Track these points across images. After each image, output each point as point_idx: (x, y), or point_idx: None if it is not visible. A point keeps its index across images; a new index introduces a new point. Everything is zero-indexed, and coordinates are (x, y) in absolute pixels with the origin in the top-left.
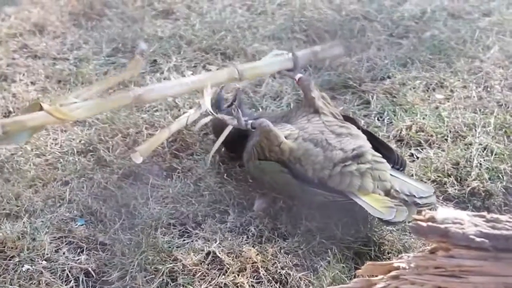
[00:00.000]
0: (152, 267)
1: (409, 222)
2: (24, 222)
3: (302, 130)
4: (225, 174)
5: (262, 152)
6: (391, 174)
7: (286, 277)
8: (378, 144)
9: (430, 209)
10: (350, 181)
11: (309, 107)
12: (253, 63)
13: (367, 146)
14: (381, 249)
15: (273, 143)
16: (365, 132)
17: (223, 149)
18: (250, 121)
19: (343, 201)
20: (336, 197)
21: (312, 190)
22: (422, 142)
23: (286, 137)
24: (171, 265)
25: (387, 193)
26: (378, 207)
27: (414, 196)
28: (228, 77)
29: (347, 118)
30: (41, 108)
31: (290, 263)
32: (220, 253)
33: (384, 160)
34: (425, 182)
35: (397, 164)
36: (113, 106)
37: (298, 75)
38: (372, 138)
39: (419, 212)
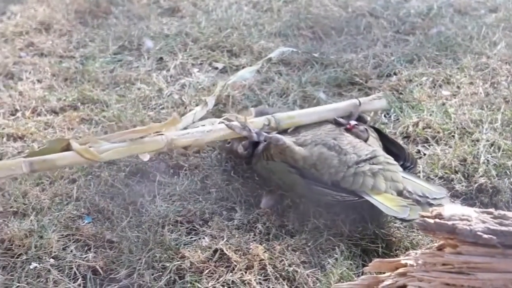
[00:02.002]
0: (160, 265)
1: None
2: (31, 220)
3: (315, 136)
4: (232, 172)
5: (271, 158)
6: (403, 176)
7: (293, 274)
8: (387, 142)
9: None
10: (363, 181)
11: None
12: (291, 113)
13: (380, 150)
14: (389, 246)
15: (287, 156)
16: (374, 129)
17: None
18: (263, 135)
19: (352, 201)
20: (345, 196)
21: (320, 190)
22: (429, 138)
23: (299, 144)
24: (178, 262)
25: (400, 193)
26: (391, 206)
27: (427, 197)
28: (264, 125)
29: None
30: (68, 146)
31: (298, 260)
32: (227, 251)
33: (396, 163)
34: (438, 184)
35: (407, 161)
36: (144, 150)
37: (353, 122)
38: (381, 136)
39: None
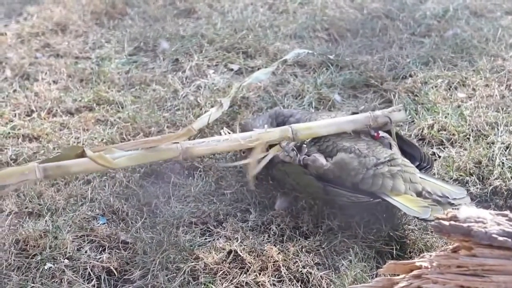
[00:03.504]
0: (174, 266)
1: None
2: (46, 221)
3: (336, 141)
4: (247, 173)
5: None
6: (421, 177)
7: (307, 276)
8: (402, 143)
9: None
10: (383, 183)
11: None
12: (309, 124)
13: (398, 153)
14: (403, 248)
15: (318, 172)
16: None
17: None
18: (302, 157)
19: (367, 202)
20: (360, 198)
21: (335, 191)
22: (444, 141)
23: (321, 151)
24: (192, 263)
25: (419, 194)
26: (413, 206)
27: (447, 197)
28: (281, 136)
29: None
30: (83, 153)
31: (312, 262)
32: (241, 252)
33: (413, 166)
34: (457, 184)
35: (424, 162)
36: (158, 158)
37: (381, 133)
38: (397, 137)
39: None
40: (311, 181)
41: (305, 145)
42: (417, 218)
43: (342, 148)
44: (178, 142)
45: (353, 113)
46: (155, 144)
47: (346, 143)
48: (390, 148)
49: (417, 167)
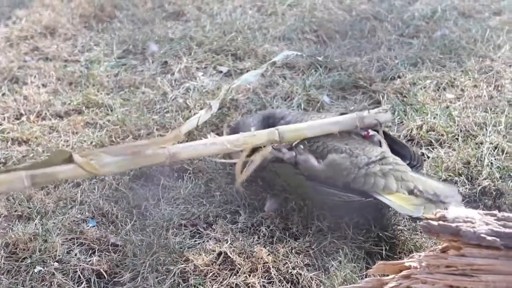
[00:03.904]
0: (164, 268)
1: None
2: (36, 224)
3: (326, 141)
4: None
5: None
6: (413, 176)
7: (297, 277)
8: (392, 142)
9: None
10: (374, 182)
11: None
12: (294, 126)
13: (388, 151)
14: (393, 248)
15: (308, 172)
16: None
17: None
18: (293, 155)
19: (358, 201)
20: (351, 197)
21: (326, 191)
22: (433, 141)
23: (312, 151)
24: (182, 265)
25: (411, 193)
26: (405, 205)
27: (439, 196)
28: (268, 139)
29: None
30: (70, 158)
31: (301, 263)
32: (231, 254)
33: (404, 164)
34: (448, 182)
35: (413, 160)
36: (145, 163)
37: (371, 132)
38: (385, 136)
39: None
40: (302, 182)
41: (301, 146)
42: (410, 216)
43: (333, 149)
44: (165, 147)
45: (342, 114)
46: (143, 148)
47: (336, 143)
48: (380, 146)
49: (407, 165)
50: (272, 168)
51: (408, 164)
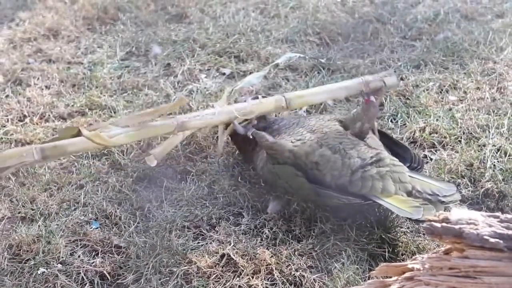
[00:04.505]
0: (167, 270)
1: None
2: (39, 226)
3: (320, 138)
4: (239, 177)
5: (275, 157)
6: (411, 176)
7: (300, 279)
8: (393, 144)
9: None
10: (372, 185)
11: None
12: (301, 92)
13: (385, 152)
14: (395, 250)
15: (282, 152)
16: (379, 132)
17: (237, 152)
18: (251, 131)
19: (359, 204)
20: (351, 200)
21: (327, 193)
22: (436, 143)
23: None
24: (185, 267)
25: (409, 194)
26: (404, 207)
27: (438, 195)
28: (275, 106)
29: None
30: (79, 133)
31: (304, 265)
32: (234, 256)
33: (402, 164)
34: (446, 181)
35: (414, 162)
36: (154, 134)
37: (372, 98)
38: (387, 138)
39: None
40: (302, 184)
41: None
42: (410, 219)
43: (326, 145)
44: (173, 117)
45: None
46: (149, 117)
47: (331, 141)
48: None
49: (408, 167)
50: (272, 170)
51: (408, 167)
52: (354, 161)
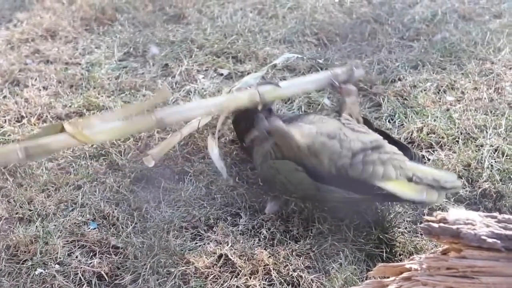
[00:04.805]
0: (165, 270)
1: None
2: (36, 226)
3: (320, 128)
4: (237, 177)
5: (280, 150)
6: (411, 165)
7: (298, 280)
8: (393, 143)
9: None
10: (373, 170)
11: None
12: (274, 86)
13: (384, 140)
14: (393, 250)
15: (287, 142)
16: (379, 132)
17: (235, 152)
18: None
19: (360, 199)
20: (352, 194)
21: (328, 188)
22: (433, 144)
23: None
24: (183, 268)
25: (410, 180)
26: (407, 190)
27: (439, 181)
28: (250, 100)
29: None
30: (62, 129)
31: (302, 265)
32: (232, 256)
33: (401, 153)
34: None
35: (413, 160)
36: (135, 130)
37: (343, 86)
38: (387, 138)
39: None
40: (303, 179)
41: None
42: (413, 202)
43: (324, 133)
44: (152, 113)
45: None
46: (131, 112)
47: (330, 128)
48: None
49: None
50: (272, 165)
51: None
52: (355, 143)
